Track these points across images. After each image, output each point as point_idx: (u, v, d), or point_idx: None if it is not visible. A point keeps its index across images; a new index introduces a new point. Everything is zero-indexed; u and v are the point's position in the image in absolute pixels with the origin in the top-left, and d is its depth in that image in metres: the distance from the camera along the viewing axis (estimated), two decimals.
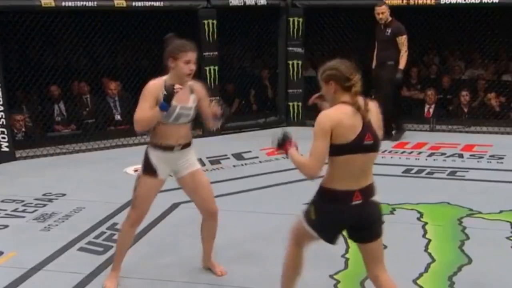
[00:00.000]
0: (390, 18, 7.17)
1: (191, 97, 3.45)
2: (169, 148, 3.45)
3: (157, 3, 7.40)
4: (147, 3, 7.34)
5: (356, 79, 2.77)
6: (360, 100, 2.78)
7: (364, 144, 2.74)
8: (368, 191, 2.83)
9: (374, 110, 2.84)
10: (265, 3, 8.14)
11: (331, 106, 2.82)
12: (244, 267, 3.92)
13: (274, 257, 4.01)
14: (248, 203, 5.22)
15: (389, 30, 7.12)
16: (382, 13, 7.13)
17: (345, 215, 2.82)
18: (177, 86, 3.26)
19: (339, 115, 2.73)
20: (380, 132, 2.83)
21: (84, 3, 6.92)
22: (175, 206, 5.06)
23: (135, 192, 3.52)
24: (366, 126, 2.75)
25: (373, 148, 2.79)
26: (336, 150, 2.73)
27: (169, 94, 3.25)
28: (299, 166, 2.82)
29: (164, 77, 3.41)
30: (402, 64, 7.13)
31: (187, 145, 3.52)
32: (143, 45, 8.56)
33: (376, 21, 7.28)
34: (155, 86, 3.37)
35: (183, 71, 3.34)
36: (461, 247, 4.19)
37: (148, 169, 3.47)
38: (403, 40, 7.06)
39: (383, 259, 2.96)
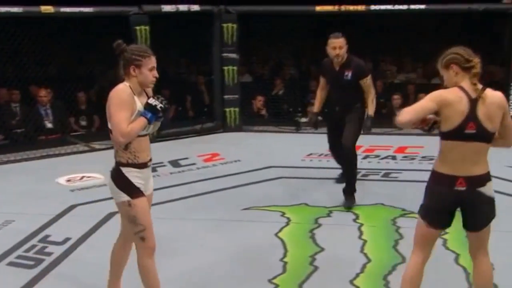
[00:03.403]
0: (346, 55, 5.35)
1: None
2: (144, 165, 3.28)
3: (86, 9, 7.21)
4: (76, 9, 7.14)
5: (476, 61, 2.86)
6: (479, 85, 2.84)
7: (465, 132, 2.82)
8: (476, 180, 2.89)
9: (495, 101, 2.85)
10: (198, 9, 8.10)
11: None
12: (178, 273, 3.87)
13: (204, 262, 4.00)
14: (185, 211, 5.15)
15: (348, 74, 5.31)
16: (340, 47, 5.26)
17: (447, 198, 2.93)
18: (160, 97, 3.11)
19: (452, 96, 2.82)
20: (492, 124, 2.84)
21: (9, 9, 6.68)
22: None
23: (137, 222, 3.18)
24: (472, 114, 2.81)
25: (476, 138, 2.83)
26: (442, 134, 2.88)
27: (155, 106, 3.07)
28: None
29: (127, 84, 3.10)
30: (371, 110, 5.36)
31: (151, 160, 3.36)
32: (74, 51, 8.36)
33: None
34: (127, 94, 3.06)
35: (149, 79, 3.12)
36: (395, 247, 4.28)
37: (135, 191, 3.21)
38: (368, 82, 5.33)
39: (486, 244, 3.06)
